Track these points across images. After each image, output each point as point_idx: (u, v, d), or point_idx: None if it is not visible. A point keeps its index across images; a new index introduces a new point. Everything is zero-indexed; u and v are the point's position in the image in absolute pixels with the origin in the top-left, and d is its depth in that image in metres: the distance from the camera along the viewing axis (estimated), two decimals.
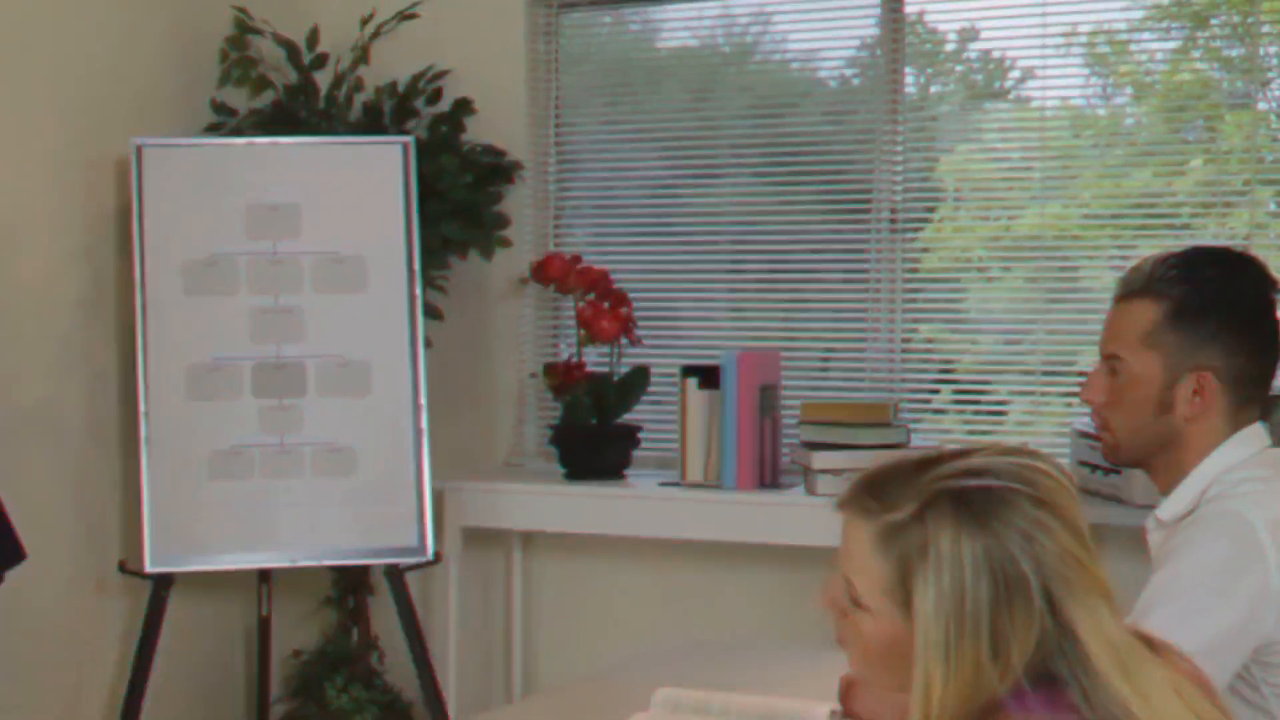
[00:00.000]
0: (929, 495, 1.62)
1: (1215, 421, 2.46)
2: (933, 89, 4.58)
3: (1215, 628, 2.27)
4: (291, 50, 4.63)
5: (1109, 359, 2.54)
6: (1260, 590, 2.30)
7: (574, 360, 4.55)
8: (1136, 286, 2.53)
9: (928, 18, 4.50)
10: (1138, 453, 2.54)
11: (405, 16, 4.62)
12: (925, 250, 4.51)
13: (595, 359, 4.57)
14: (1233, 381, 2.46)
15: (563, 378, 4.51)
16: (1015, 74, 4.45)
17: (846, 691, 2.39)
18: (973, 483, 1.62)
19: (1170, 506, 2.48)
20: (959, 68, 4.56)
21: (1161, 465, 2.52)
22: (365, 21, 4.62)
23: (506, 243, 4.70)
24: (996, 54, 4.47)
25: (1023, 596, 1.58)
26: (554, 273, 4.53)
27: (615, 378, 4.52)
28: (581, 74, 4.88)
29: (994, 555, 1.58)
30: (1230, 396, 2.47)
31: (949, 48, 4.55)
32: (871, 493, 1.67)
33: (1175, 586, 2.32)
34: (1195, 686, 1.67)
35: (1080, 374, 4.18)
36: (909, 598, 1.61)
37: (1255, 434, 2.49)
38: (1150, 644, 1.68)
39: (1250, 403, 2.49)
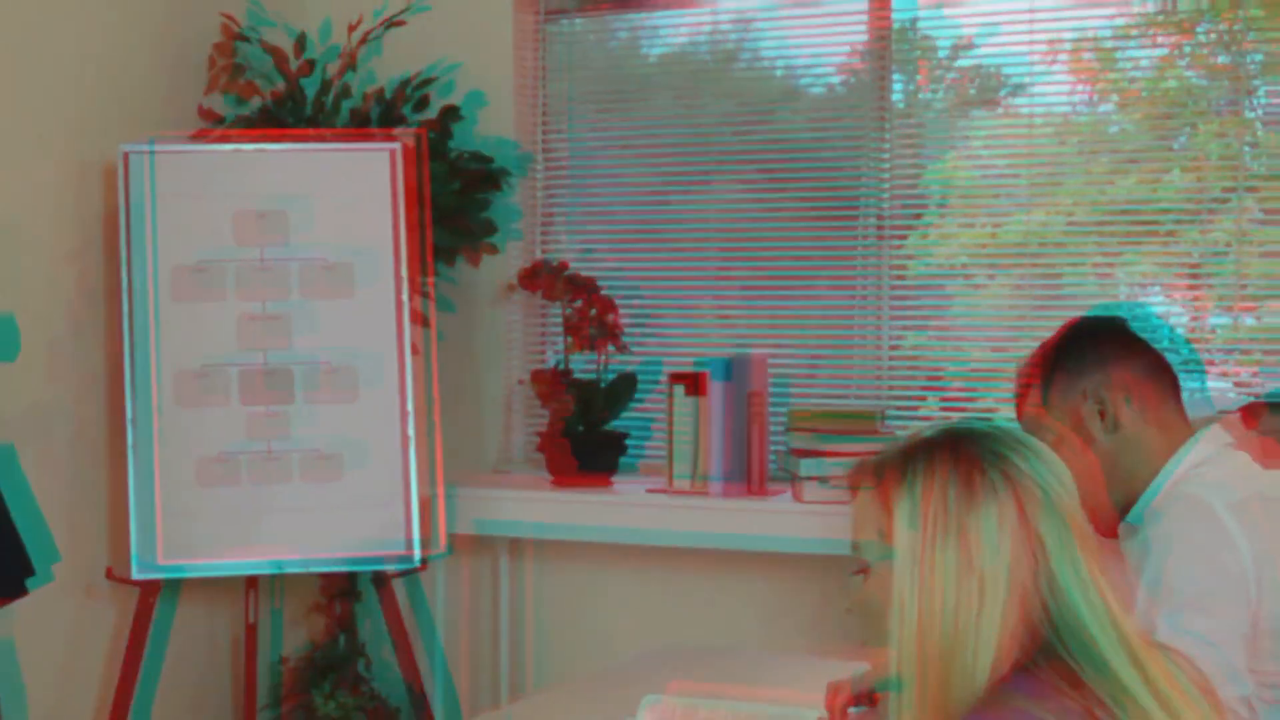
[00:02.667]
0: (918, 440, 1.71)
1: (1167, 415, 2.56)
2: (920, 96, 4.59)
3: (1218, 619, 2.29)
4: (281, 55, 4.63)
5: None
6: (1239, 571, 2.34)
7: (561, 367, 4.56)
8: (1019, 389, 2.69)
9: (917, 25, 4.51)
10: (1116, 483, 2.57)
11: (392, 24, 4.63)
12: (911, 257, 4.52)
13: (583, 366, 4.58)
14: (1150, 376, 2.58)
15: (549, 385, 4.51)
16: (1002, 81, 4.45)
17: (834, 698, 2.41)
18: (958, 425, 1.72)
19: (1139, 510, 2.52)
20: (948, 75, 4.57)
21: (1126, 474, 2.55)
22: (352, 28, 4.63)
23: (493, 250, 4.70)
24: (984, 62, 4.48)
25: (991, 499, 1.62)
26: (541, 280, 4.53)
27: (602, 384, 4.53)
28: (570, 81, 4.88)
29: (963, 466, 1.64)
30: (1157, 391, 2.57)
31: (937, 55, 4.56)
32: (874, 458, 1.74)
33: (1164, 588, 2.35)
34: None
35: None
36: (891, 524, 1.66)
37: (1215, 435, 2.55)
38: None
39: (1175, 393, 2.60)
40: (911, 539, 1.63)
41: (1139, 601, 2.34)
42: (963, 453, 1.65)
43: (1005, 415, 4.36)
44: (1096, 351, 2.60)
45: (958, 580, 1.60)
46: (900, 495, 1.65)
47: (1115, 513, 2.57)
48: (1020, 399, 2.68)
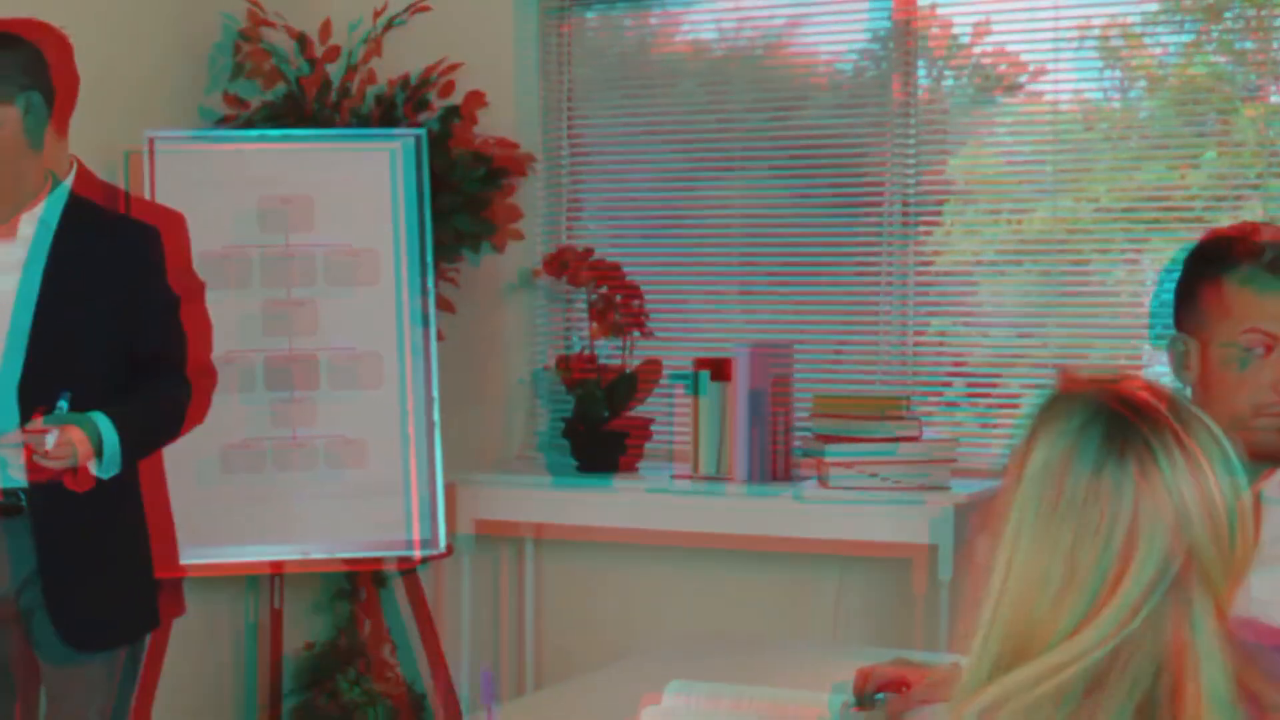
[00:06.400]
0: (1105, 384, 1.56)
1: None
2: (945, 84, 4.57)
3: None
4: (284, 54, 4.64)
5: None
6: None
7: (586, 353, 4.55)
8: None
9: (940, 12, 4.49)
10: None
11: (393, 24, 4.63)
12: (938, 245, 4.50)
13: (607, 352, 4.58)
14: None
15: (575, 371, 4.51)
16: (1028, 68, 4.44)
17: (863, 682, 2.40)
18: (1145, 397, 1.54)
19: None
20: (972, 63, 4.55)
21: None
22: (378, 14, 4.63)
23: (518, 235, 4.70)
24: (1009, 48, 4.46)
25: (1111, 514, 1.49)
26: (567, 266, 4.53)
27: (627, 370, 4.52)
28: (595, 69, 4.88)
29: (1105, 454, 1.51)
30: None
31: (962, 42, 4.54)
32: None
33: None
34: None
35: (1092, 368, 4.19)
36: (1027, 454, 1.54)
37: None
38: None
39: None
40: (1035, 491, 1.52)
41: None
42: (1121, 425, 1.51)
43: (1031, 403, 4.35)
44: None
45: (1065, 563, 1.48)
46: (1040, 434, 1.54)
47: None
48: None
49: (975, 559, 1.60)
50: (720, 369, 4.31)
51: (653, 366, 4.54)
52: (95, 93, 4.31)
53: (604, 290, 4.51)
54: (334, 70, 4.65)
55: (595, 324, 4.51)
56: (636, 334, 4.52)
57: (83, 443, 3.02)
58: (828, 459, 4.14)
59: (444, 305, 4.52)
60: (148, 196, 4.13)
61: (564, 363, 4.56)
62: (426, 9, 4.63)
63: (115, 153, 4.18)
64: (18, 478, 3.10)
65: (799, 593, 4.47)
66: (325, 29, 4.66)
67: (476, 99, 4.65)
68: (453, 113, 4.63)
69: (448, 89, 4.66)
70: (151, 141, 4.17)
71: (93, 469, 3.07)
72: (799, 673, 2.75)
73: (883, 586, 4.38)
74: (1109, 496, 1.50)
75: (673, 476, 4.39)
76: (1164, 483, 1.50)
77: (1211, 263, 2.34)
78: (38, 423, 2.99)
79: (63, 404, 3.03)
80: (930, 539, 3.99)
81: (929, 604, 4.08)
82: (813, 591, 4.45)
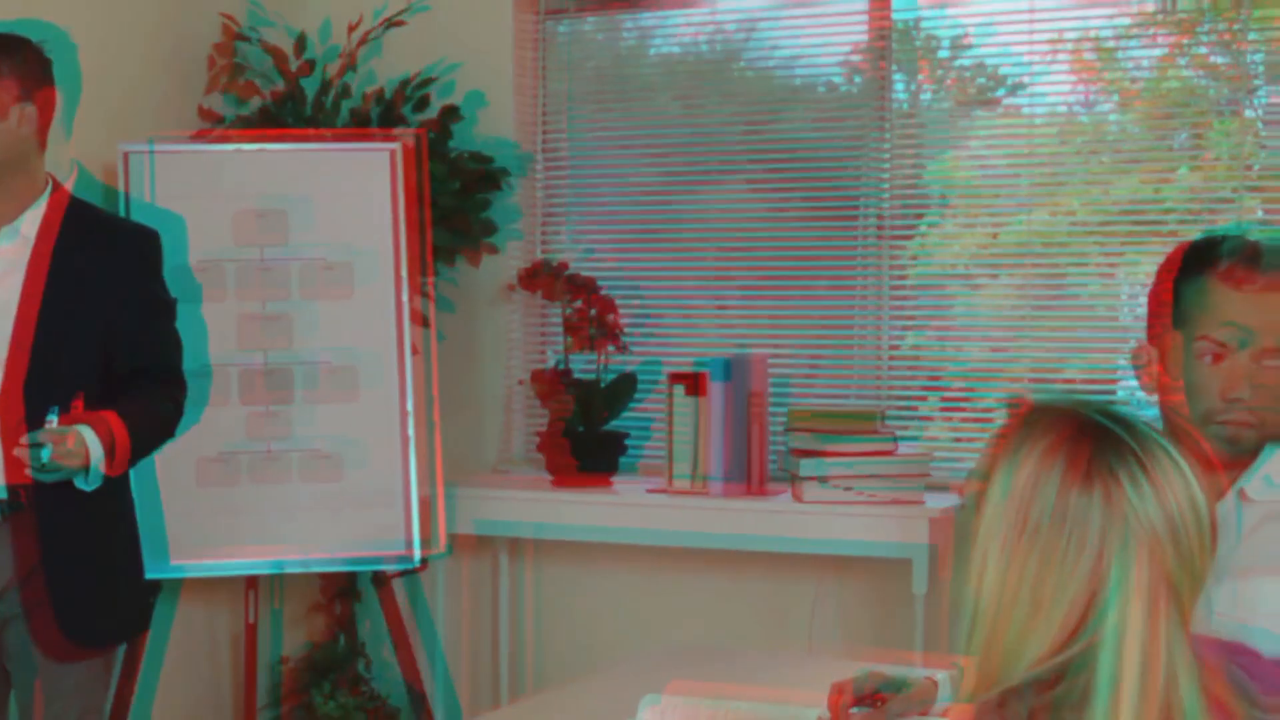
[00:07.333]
0: (1064, 409, 1.59)
1: None
2: (923, 96, 4.58)
3: None
4: (281, 55, 4.62)
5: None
6: None
7: (561, 367, 4.55)
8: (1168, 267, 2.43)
9: (916, 25, 4.50)
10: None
11: (391, 24, 4.63)
12: (915, 257, 4.51)
13: (584, 365, 4.58)
14: None
15: (549, 385, 4.51)
16: (1002, 81, 4.45)
17: (837, 697, 2.40)
18: (1105, 422, 1.57)
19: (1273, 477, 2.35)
20: (949, 75, 4.56)
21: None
22: (353, 28, 4.62)
23: (493, 250, 4.70)
24: (985, 61, 4.47)
25: (1077, 539, 1.52)
26: (541, 280, 4.53)
27: (602, 384, 4.52)
28: (570, 81, 4.88)
29: (1070, 481, 1.53)
30: None
31: (938, 55, 4.55)
32: (1020, 405, 1.65)
33: None
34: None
35: (1067, 381, 4.22)
36: (989, 481, 1.58)
37: None
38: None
39: None
40: (1001, 519, 1.55)
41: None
42: (1082, 464, 1.53)
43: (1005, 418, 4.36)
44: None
45: (1033, 589, 1.52)
46: (1010, 460, 1.56)
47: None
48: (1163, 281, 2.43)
49: (945, 578, 1.61)
50: (696, 382, 4.31)
51: (628, 380, 4.54)
52: (92, 95, 4.32)
53: (579, 304, 4.51)
54: (331, 72, 4.63)
55: (570, 338, 4.51)
56: (611, 348, 4.52)
57: (73, 458, 3.05)
58: (802, 472, 4.14)
59: (417, 319, 4.50)
60: (121, 209, 4.12)
61: (538, 377, 4.56)
62: (401, 24, 4.62)
63: (112, 155, 4.18)
64: (12, 480, 3.13)
65: (775, 604, 4.47)
66: (302, 40, 4.65)
67: (453, 112, 4.64)
68: (429, 125, 4.62)
69: (424, 102, 4.65)
70: (148, 144, 4.17)
71: (78, 483, 3.10)
72: (778, 681, 2.75)
73: (860, 597, 4.38)
74: (1076, 522, 1.52)
75: (648, 490, 4.38)
76: (1130, 507, 1.52)
77: (1196, 260, 2.39)
78: (28, 438, 3.02)
79: (51, 418, 3.05)
80: (906, 553, 4.00)
81: (904, 616, 4.09)
82: (789, 603, 4.46)
